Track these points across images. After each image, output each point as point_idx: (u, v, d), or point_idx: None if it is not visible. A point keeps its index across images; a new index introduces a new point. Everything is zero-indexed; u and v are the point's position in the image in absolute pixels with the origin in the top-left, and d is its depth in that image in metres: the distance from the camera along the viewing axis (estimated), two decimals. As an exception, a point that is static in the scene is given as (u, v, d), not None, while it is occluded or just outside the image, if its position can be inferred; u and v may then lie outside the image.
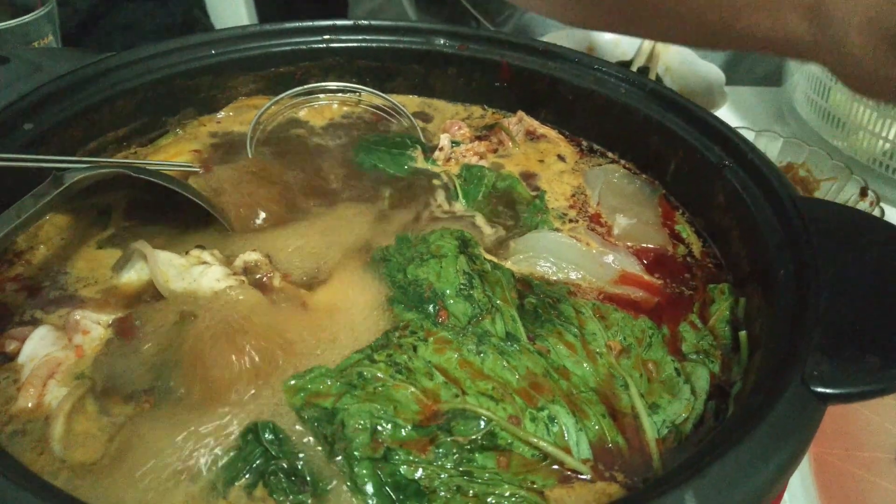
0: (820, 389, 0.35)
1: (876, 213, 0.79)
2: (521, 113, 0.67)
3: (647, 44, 1.04)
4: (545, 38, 1.07)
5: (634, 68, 1.01)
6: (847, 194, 0.84)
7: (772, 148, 0.90)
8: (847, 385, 0.35)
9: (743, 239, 0.51)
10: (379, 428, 0.37)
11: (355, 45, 0.69)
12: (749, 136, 0.89)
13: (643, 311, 0.50)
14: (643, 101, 0.60)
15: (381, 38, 0.69)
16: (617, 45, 1.08)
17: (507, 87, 0.68)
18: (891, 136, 0.93)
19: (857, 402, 0.36)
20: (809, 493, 0.61)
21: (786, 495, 0.60)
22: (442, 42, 0.68)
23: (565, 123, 0.67)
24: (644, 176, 0.62)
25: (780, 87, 1.13)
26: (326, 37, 0.68)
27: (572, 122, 0.66)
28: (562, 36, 1.09)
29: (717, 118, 0.56)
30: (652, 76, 0.99)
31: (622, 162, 0.64)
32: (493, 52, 0.68)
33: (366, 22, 0.68)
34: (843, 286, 0.41)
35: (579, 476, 0.39)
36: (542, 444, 0.39)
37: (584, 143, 0.66)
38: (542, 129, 0.67)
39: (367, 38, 0.69)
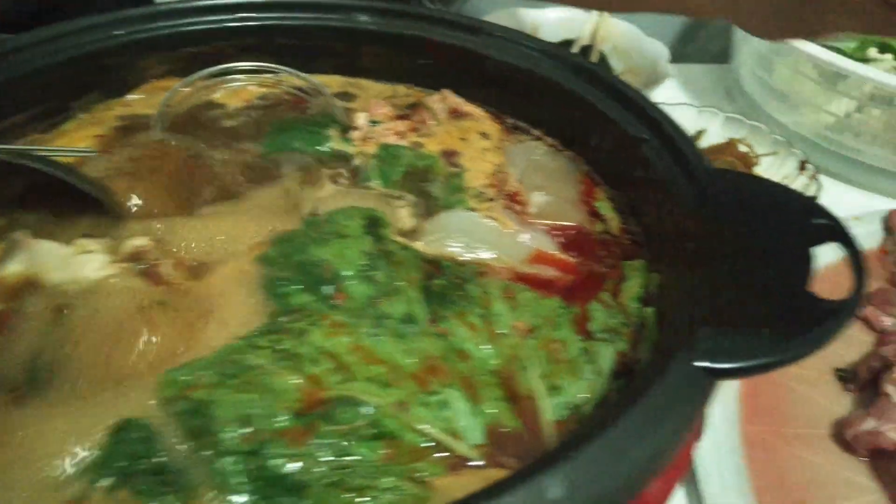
0: (707, 364, 0.34)
1: (813, 187, 0.78)
2: (445, 91, 0.65)
3: (591, 24, 1.03)
4: (488, 19, 1.05)
5: (577, 48, 0.99)
6: (788, 168, 0.83)
7: (713, 124, 0.89)
8: (737, 359, 0.34)
9: (656, 213, 0.49)
10: (251, 419, 0.35)
11: (273, 22, 0.66)
12: (691, 112, 0.88)
13: (556, 290, 0.49)
14: (565, 76, 0.58)
15: (301, 15, 0.66)
16: (562, 25, 1.07)
17: (431, 65, 0.66)
18: (833, 110, 0.93)
19: (751, 376, 0.35)
20: (740, 472, 0.60)
21: (716, 474, 0.59)
22: (364, 19, 0.66)
23: (491, 100, 0.65)
24: (568, 152, 0.60)
25: (728, 64, 1.11)
26: (242, 14, 0.65)
27: (497, 98, 0.64)
28: (504, 16, 1.07)
29: (637, 92, 0.54)
30: (594, 55, 0.98)
31: (548, 139, 0.62)
32: (416, 28, 0.65)
33: (284, -2, 0.66)
34: (744, 258, 0.39)
35: (470, 462, 0.37)
36: (430, 430, 0.37)
37: (510, 121, 0.64)
38: (468, 107, 0.65)
39: (286, 15, 0.66)
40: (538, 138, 0.62)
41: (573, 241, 0.53)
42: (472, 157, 0.60)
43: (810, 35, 0.47)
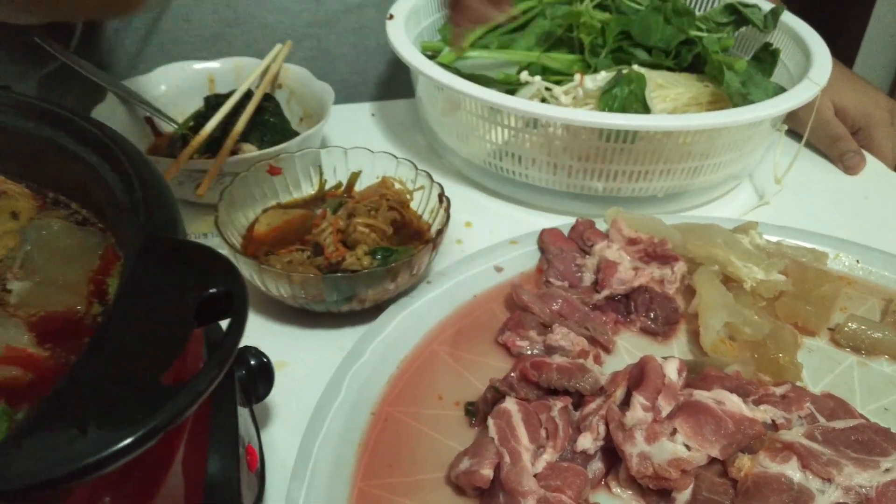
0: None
1: (444, 217, 0.78)
2: (-18, 170, 0.59)
3: (258, 70, 1.00)
4: (159, 72, 1.00)
5: (239, 95, 0.95)
6: (434, 201, 0.82)
7: (366, 162, 0.88)
8: (22, 477, 0.29)
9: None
10: None
11: None
12: (340, 154, 0.86)
13: (15, 390, 0.43)
14: (71, 139, 0.54)
15: None
16: (235, 73, 1.03)
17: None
18: (493, 139, 0.94)
19: (50, 491, 0.30)
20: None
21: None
22: None
23: (29, 174, 0.59)
24: (99, 226, 0.55)
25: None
26: None
27: (33, 171, 0.59)
28: (176, 70, 1.02)
29: (126, 148, 0.50)
30: (253, 103, 0.94)
31: (83, 211, 0.57)
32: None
33: None
34: (126, 344, 0.35)
35: None
36: None
37: (51, 195, 0.59)
38: (5, 185, 0.58)
39: None
40: (74, 213, 0.57)
41: (56, 329, 0.47)
42: (-15, 244, 0.54)
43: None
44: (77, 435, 0.31)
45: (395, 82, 1.30)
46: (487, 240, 0.89)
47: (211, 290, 0.38)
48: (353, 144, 0.87)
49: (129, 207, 0.47)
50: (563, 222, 0.89)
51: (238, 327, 0.36)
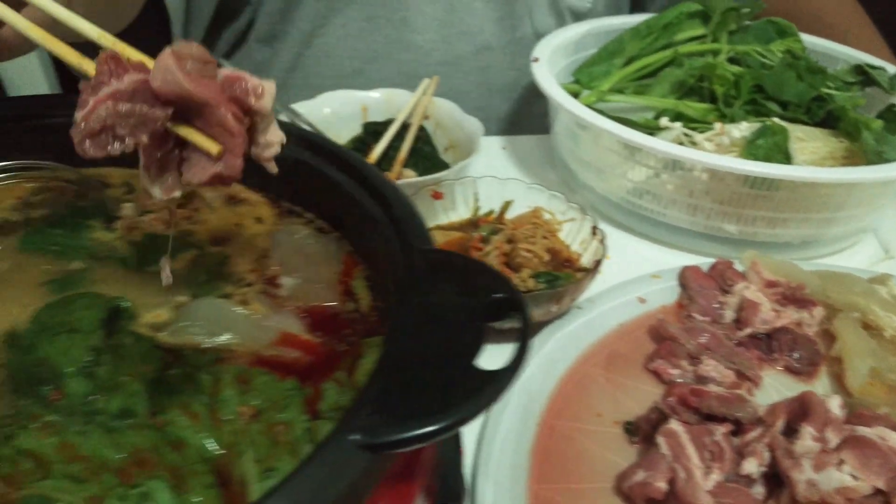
0: (362, 440, 0.35)
1: (601, 249, 0.83)
2: (226, 178, 0.67)
3: (411, 103, 1.08)
4: (321, 97, 1.10)
5: (398, 124, 1.03)
6: (584, 233, 0.88)
7: (519, 192, 0.94)
8: (395, 432, 0.36)
9: (383, 290, 0.52)
10: None
11: (55, 120, 0.67)
12: (496, 184, 0.93)
13: (295, 371, 0.50)
14: (318, 160, 0.61)
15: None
16: (387, 104, 1.12)
17: (210, 154, 0.68)
18: (632, 178, 1.00)
19: (412, 447, 0.37)
20: (519, 532, 0.62)
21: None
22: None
23: (269, 186, 0.67)
24: (335, 234, 0.63)
25: (549, 135, 1.18)
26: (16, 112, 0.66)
27: (273, 184, 0.66)
28: (337, 97, 1.11)
29: (378, 175, 0.58)
30: (412, 131, 1.02)
31: (318, 221, 0.64)
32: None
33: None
34: (425, 334, 0.42)
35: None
36: (120, 525, 0.38)
37: (286, 205, 0.67)
38: (245, 194, 0.67)
39: (58, 113, 0.67)
40: (310, 221, 0.65)
41: (321, 321, 0.54)
42: (241, 243, 0.62)
43: None
44: (419, 405, 0.38)
45: (518, 119, 1.37)
46: (625, 271, 0.94)
47: (495, 296, 0.44)
48: (486, 174, 0.95)
49: (386, 222, 0.54)
50: (696, 260, 0.94)
51: (527, 326, 0.43)
